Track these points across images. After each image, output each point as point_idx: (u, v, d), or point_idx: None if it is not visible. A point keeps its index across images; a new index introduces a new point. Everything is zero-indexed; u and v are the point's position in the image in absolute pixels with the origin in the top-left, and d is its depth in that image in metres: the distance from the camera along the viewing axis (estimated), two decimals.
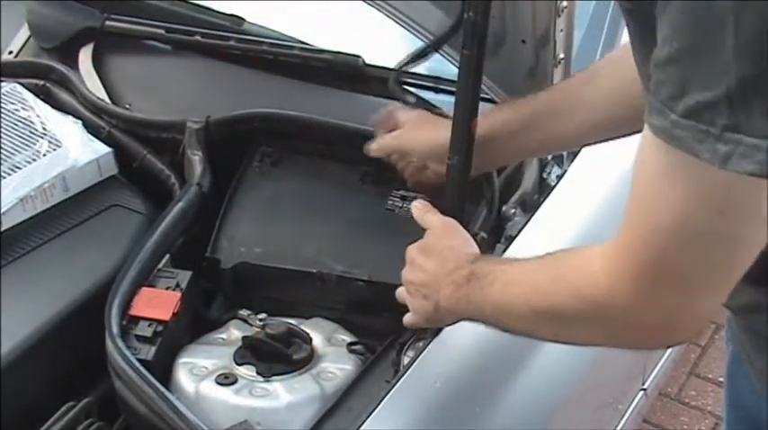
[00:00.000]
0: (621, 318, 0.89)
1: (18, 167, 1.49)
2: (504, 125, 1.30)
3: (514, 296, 1.00)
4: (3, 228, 1.43)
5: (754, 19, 0.71)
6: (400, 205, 1.50)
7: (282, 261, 1.44)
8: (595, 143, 1.34)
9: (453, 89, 1.29)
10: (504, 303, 1.02)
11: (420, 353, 1.20)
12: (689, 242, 0.81)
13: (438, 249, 1.15)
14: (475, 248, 1.17)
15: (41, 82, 1.73)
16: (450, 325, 1.15)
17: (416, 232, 1.22)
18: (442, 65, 1.60)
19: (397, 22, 1.55)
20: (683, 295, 0.84)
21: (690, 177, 0.77)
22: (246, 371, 1.25)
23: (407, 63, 1.51)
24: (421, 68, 1.72)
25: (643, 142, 0.81)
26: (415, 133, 1.39)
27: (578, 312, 0.93)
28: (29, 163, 1.50)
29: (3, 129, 1.54)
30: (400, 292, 1.21)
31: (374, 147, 1.43)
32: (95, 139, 1.60)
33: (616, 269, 0.86)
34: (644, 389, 1.89)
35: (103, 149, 1.58)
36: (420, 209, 1.24)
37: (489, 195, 1.46)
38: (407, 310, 1.20)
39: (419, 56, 1.50)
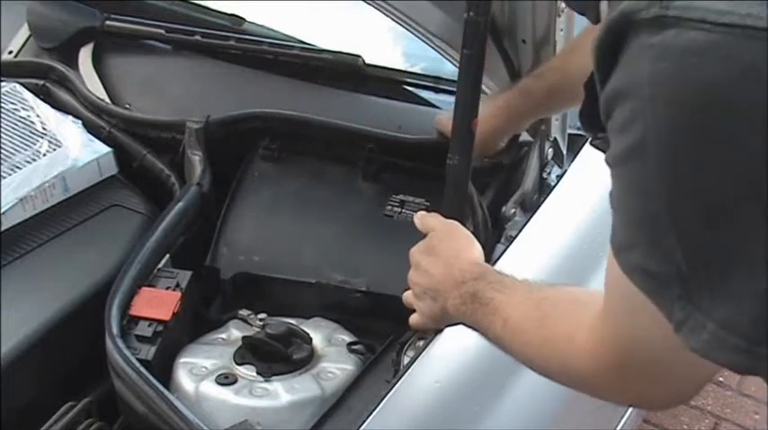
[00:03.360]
0: (607, 393, 0.91)
1: (18, 167, 1.49)
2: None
3: (512, 340, 1.01)
4: (3, 228, 1.43)
5: (691, 213, 0.65)
6: (399, 210, 1.50)
7: (281, 271, 1.44)
8: None
9: (453, 89, 1.29)
10: (503, 341, 1.02)
11: (420, 353, 1.20)
12: (666, 352, 0.78)
13: (442, 251, 1.15)
14: (478, 250, 1.17)
15: (41, 82, 1.73)
16: (456, 324, 1.16)
17: (416, 238, 1.22)
18: (442, 65, 1.60)
19: (397, 22, 1.55)
20: (666, 386, 0.84)
21: (656, 312, 0.72)
22: (246, 371, 1.25)
23: None
24: (421, 68, 1.72)
25: (610, 257, 0.77)
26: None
27: (567, 379, 0.95)
28: (29, 163, 1.50)
29: (3, 129, 1.54)
30: (407, 295, 1.21)
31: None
32: (95, 139, 1.60)
33: (599, 357, 0.85)
34: None
35: (103, 149, 1.58)
36: (420, 216, 1.24)
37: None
38: (405, 318, 1.21)
39: None
